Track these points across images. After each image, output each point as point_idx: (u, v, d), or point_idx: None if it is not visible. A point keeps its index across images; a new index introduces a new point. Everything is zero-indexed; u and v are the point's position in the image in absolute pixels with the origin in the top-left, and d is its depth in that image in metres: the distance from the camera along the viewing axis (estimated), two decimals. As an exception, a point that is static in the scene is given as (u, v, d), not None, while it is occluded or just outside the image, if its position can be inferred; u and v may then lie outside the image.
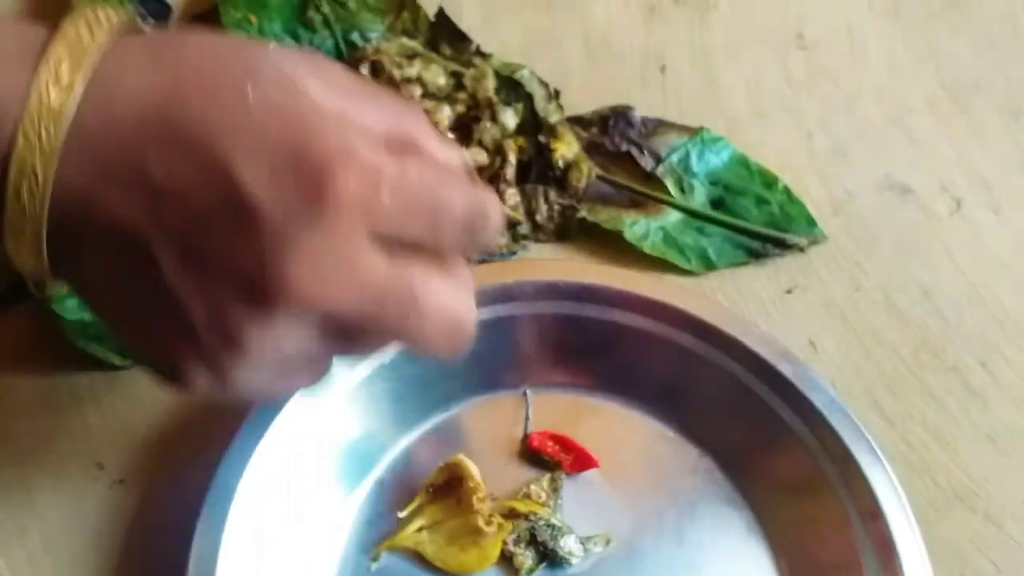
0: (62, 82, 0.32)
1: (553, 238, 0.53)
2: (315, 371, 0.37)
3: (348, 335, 0.34)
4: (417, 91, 0.53)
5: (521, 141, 0.54)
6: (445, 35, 0.56)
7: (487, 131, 0.53)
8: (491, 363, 0.47)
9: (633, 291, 0.48)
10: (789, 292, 0.52)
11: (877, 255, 0.54)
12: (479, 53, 0.56)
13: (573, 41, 0.59)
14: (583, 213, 0.53)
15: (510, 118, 0.54)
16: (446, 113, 0.53)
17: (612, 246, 0.53)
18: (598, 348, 0.48)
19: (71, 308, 0.46)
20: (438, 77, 0.54)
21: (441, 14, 0.56)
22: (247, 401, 0.43)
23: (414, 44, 0.55)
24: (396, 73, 0.53)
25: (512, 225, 0.52)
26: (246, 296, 0.31)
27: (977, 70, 0.60)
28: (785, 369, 0.46)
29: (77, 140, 0.32)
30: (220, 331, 0.32)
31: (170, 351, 0.33)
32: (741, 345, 0.46)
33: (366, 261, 0.32)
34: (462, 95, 0.54)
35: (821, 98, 0.58)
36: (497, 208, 0.36)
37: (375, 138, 0.33)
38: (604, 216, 0.53)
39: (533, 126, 0.54)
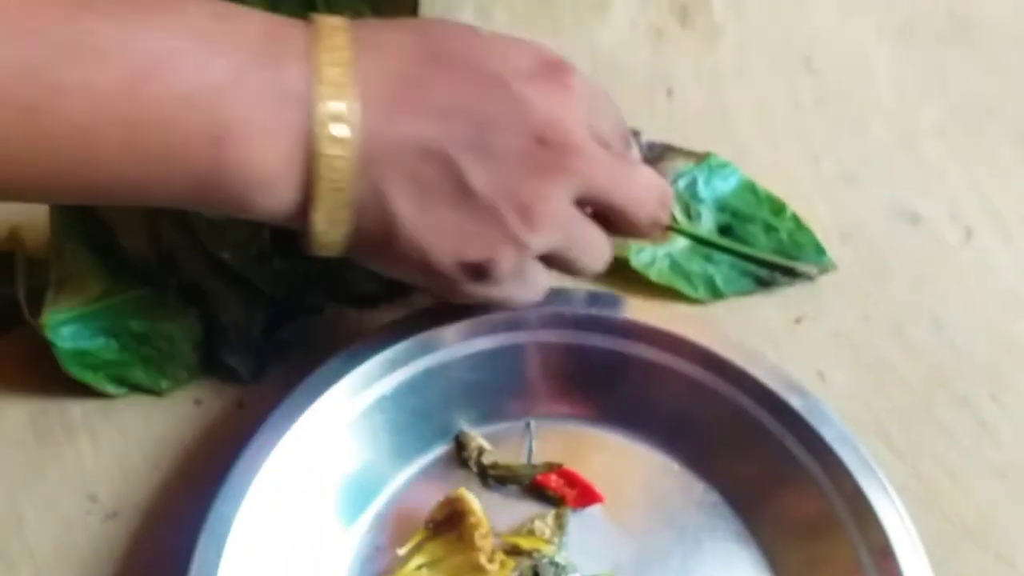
0: (342, 57, 0.37)
1: None
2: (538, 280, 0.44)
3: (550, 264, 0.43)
4: None
5: None
6: None
7: None
8: (493, 393, 0.47)
9: (639, 320, 0.47)
10: (798, 322, 0.52)
11: (887, 284, 0.53)
12: None
13: (580, 63, 0.57)
14: None
15: None
16: None
17: (618, 273, 0.51)
18: (603, 379, 0.47)
19: (66, 336, 0.45)
20: None
21: None
22: (258, 417, 0.43)
23: None
24: None
25: None
26: (535, 171, 0.39)
27: (987, 95, 0.59)
28: (794, 402, 0.45)
29: (366, 89, 0.37)
30: (518, 204, 0.39)
31: (479, 245, 0.40)
32: (749, 377, 0.45)
33: (569, 213, 0.41)
34: None
35: (830, 123, 0.58)
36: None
37: None
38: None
39: None
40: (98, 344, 0.45)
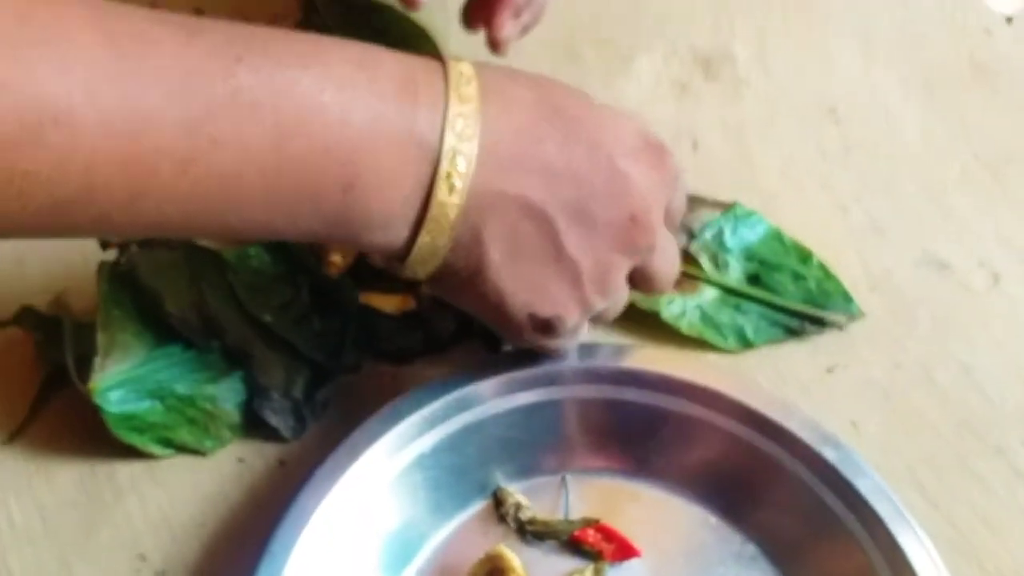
0: (467, 94, 0.40)
1: None
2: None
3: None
4: None
5: None
6: None
7: None
8: (530, 448, 0.47)
9: (673, 375, 0.47)
10: (829, 371, 0.52)
11: (916, 332, 0.53)
12: None
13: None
14: None
15: None
16: None
17: (649, 323, 0.53)
18: (638, 433, 0.47)
19: (113, 400, 0.46)
20: None
21: None
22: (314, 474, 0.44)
23: None
24: None
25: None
26: (620, 246, 0.43)
27: (1011, 142, 0.60)
28: (829, 454, 0.45)
29: (486, 134, 0.40)
30: (599, 272, 0.43)
31: (552, 302, 0.43)
32: (784, 429, 0.46)
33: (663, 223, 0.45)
34: None
35: (856, 173, 0.58)
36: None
37: None
38: (640, 295, 0.53)
39: None
40: (144, 407, 0.47)
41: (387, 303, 0.51)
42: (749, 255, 0.55)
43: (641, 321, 0.53)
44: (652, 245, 0.44)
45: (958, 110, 0.61)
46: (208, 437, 0.48)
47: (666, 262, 0.46)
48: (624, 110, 0.45)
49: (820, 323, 0.53)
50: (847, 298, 0.54)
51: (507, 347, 0.49)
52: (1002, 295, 0.55)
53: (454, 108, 0.39)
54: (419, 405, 0.46)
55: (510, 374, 0.47)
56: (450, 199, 0.39)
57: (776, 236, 0.55)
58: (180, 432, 0.48)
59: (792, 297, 0.53)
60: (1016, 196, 0.58)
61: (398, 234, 0.40)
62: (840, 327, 0.53)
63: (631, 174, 0.42)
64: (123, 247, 0.49)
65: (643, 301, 0.52)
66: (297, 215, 0.38)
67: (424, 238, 0.40)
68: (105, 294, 0.47)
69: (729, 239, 0.55)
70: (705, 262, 0.54)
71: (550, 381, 0.47)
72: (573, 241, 0.42)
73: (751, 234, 0.55)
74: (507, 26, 0.52)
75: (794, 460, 0.46)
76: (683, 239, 0.54)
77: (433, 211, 0.40)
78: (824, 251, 0.55)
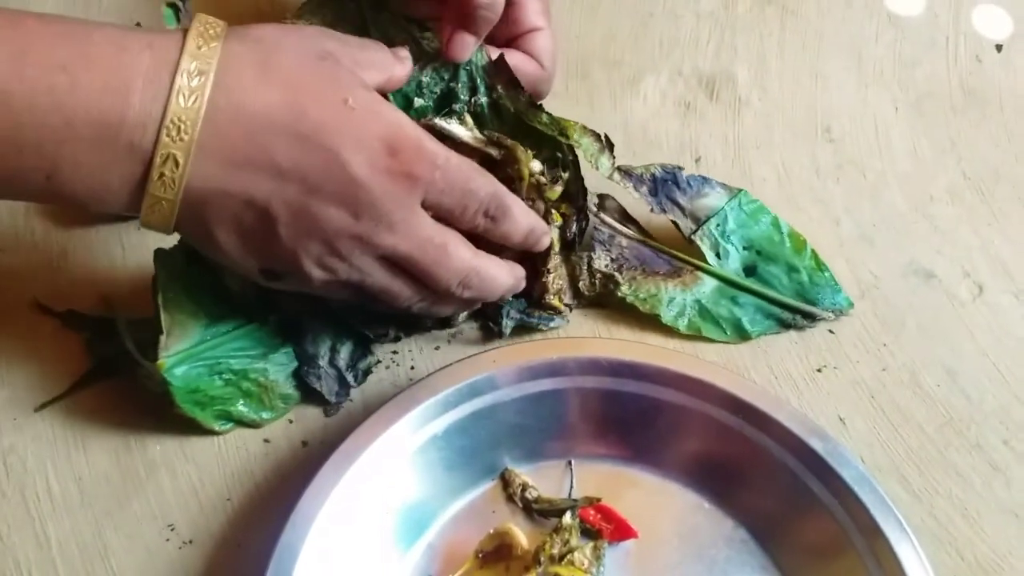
0: (195, 90, 0.42)
1: (593, 304, 0.57)
2: (399, 299, 0.50)
3: (400, 269, 0.48)
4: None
5: (566, 208, 0.56)
6: (501, 80, 0.56)
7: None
8: (537, 434, 0.51)
9: (671, 368, 0.51)
10: (819, 371, 0.55)
11: (903, 337, 0.56)
12: (532, 104, 0.55)
13: (614, 134, 0.62)
14: (623, 289, 0.56)
15: (556, 191, 0.56)
16: None
17: (651, 327, 0.56)
18: (638, 422, 0.51)
19: (179, 375, 0.49)
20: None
21: (501, 60, 0.56)
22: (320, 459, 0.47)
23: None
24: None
25: (555, 311, 0.56)
26: (340, 238, 0.46)
27: (997, 161, 0.63)
28: (816, 445, 0.48)
29: (211, 135, 0.43)
30: (316, 261, 0.46)
31: (278, 266, 0.47)
32: (774, 421, 0.49)
33: (418, 219, 0.47)
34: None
35: (848, 188, 0.62)
36: (522, 211, 0.52)
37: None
38: (643, 294, 0.56)
39: (578, 191, 0.56)
40: (205, 381, 0.50)
41: None
42: (748, 244, 0.58)
43: (642, 324, 0.56)
44: (383, 242, 0.46)
45: (947, 131, 0.64)
46: (264, 408, 0.52)
47: (440, 265, 0.48)
48: (387, 112, 0.46)
49: (811, 318, 0.56)
50: (836, 290, 0.57)
51: (508, 327, 0.55)
52: (985, 304, 0.58)
53: (176, 106, 0.42)
54: (434, 391, 0.49)
55: (519, 364, 0.50)
56: (164, 194, 0.43)
57: (775, 224, 0.58)
58: (237, 404, 0.51)
59: (786, 289, 0.57)
60: (1001, 212, 0.61)
61: (118, 209, 0.44)
62: (829, 321, 0.56)
63: (365, 181, 0.45)
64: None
65: (643, 304, 0.55)
66: (11, 191, 0.43)
67: (145, 216, 0.44)
68: (161, 278, 0.50)
69: (731, 227, 0.58)
70: (707, 250, 0.57)
71: (556, 372, 0.50)
72: (291, 233, 0.45)
73: (752, 222, 0.58)
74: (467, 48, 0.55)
75: (783, 450, 0.49)
76: (690, 226, 0.57)
77: (148, 201, 0.43)
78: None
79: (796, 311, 0.56)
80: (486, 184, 0.49)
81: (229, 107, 0.43)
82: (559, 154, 0.56)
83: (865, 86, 0.66)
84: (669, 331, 0.56)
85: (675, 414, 0.50)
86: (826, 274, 0.57)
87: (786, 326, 0.56)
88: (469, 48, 0.55)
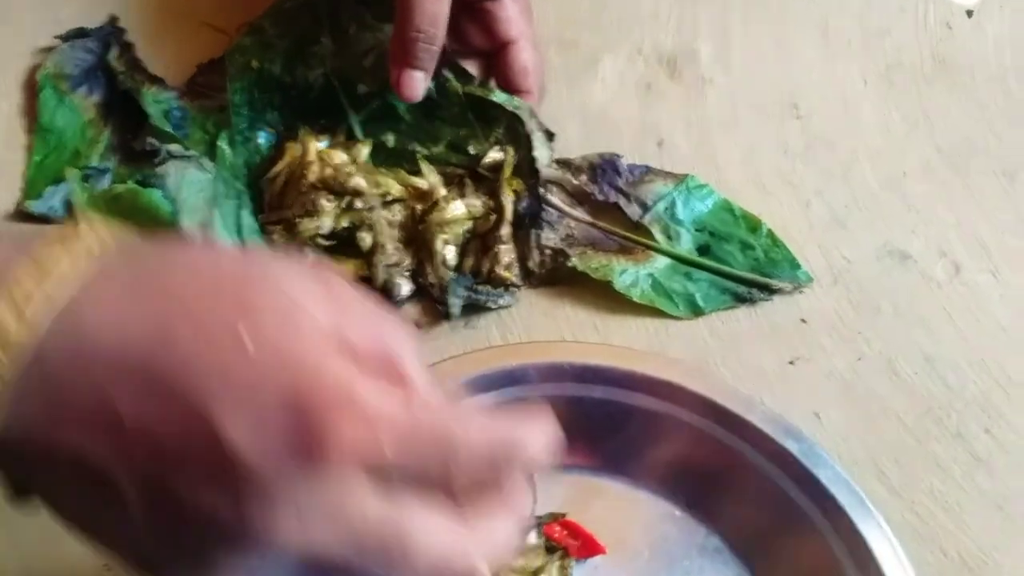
0: (24, 316, 0.30)
1: (543, 283, 0.55)
2: None
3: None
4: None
5: (517, 185, 0.55)
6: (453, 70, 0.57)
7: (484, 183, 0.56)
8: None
9: (637, 371, 0.48)
10: (792, 363, 0.53)
11: (878, 323, 0.54)
12: (482, 84, 0.56)
13: (572, 119, 0.60)
14: (574, 261, 0.54)
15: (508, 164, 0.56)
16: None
17: (602, 292, 0.54)
18: (604, 429, 0.48)
19: None
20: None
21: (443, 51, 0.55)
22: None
23: None
24: None
25: (506, 284, 0.54)
26: (216, 543, 0.30)
27: (970, 133, 0.61)
28: (791, 446, 0.46)
29: (37, 374, 0.30)
30: (188, 569, 0.31)
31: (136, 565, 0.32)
32: (746, 423, 0.47)
33: (354, 503, 0.30)
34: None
35: (817, 167, 0.59)
36: (537, 430, 0.34)
37: (363, 360, 0.31)
38: (595, 264, 0.54)
39: (529, 168, 0.56)
40: None
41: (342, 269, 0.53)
42: (700, 226, 0.56)
43: (593, 287, 0.54)
44: (277, 545, 0.30)
45: (919, 103, 0.62)
46: None
47: (393, 567, 0.31)
48: (311, 349, 0.30)
49: (767, 290, 0.54)
50: (794, 264, 0.55)
51: (455, 306, 0.53)
52: (963, 285, 0.56)
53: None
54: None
55: (472, 374, 0.48)
56: None
57: (726, 207, 0.57)
58: None
59: (741, 266, 0.55)
60: (976, 188, 0.59)
61: None
62: (787, 292, 0.54)
63: (245, 453, 0.29)
64: None
65: (595, 272, 0.54)
66: None
67: None
68: None
69: (681, 211, 0.56)
70: (657, 233, 0.55)
71: (514, 380, 0.48)
72: (148, 517, 0.30)
73: (702, 206, 0.56)
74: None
75: (756, 453, 0.47)
76: (637, 211, 0.56)
77: None
78: (789, 245, 0.56)
79: (752, 284, 0.54)
80: (474, 436, 0.32)
81: (67, 336, 0.30)
82: (512, 130, 0.55)
83: (832, 59, 0.63)
84: (622, 303, 0.54)
85: (642, 419, 0.48)
86: (782, 250, 0.55)
87: (742, 300, 0.54)
88: (419, 85, 0.53)
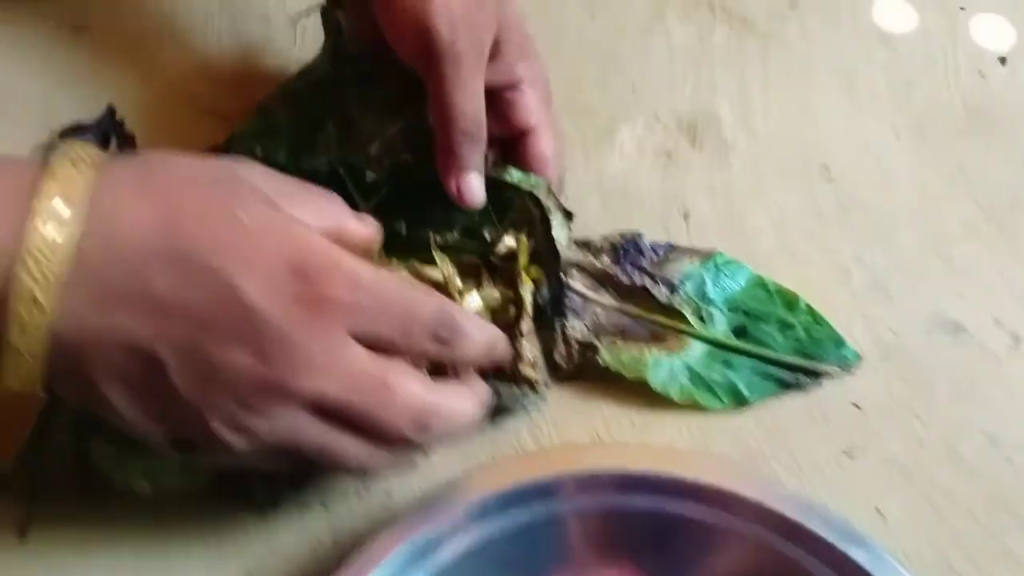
0: (61, 217, 0.35)
1: (572, 377, 0.51)
2: (336, 456, 0.40)
3: (338, 419, 0.39)
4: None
5: (536, 272, 0.51)
6: None
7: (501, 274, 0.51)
8: (537, 566, 0.44)
9: (683, 477, 0.44)
10: (847, 453, 0.49)
11: (935, 403, 0.50)
12: (497, 165, 0.52)
13: (590, 194, 0.56)
14: (603, 355, 0.50)
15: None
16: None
17: (639, 395, 0.50)
18: (649, 543, 0.44)
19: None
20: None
21: None
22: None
23: None
24: None
25: (531, 383, 0.49)
26: (249, 388, 0.37)
27: (1012, 187, 0.57)
28: (856, 555, 0.42)
29: (80, 270, 0.35)
30: (228, 422, 0.37)
31: (186, 429, 0.38)
32: (806, 531, 0.43)
33: (347, 353, 0.38)
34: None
35: (854, 232, 0.56)
36: (476, 326, 0.41)
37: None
38: (626, 358, 0.50)
39: (549, 252, 0.51)
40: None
41: None
42: (733, 305, 0.52)
43: (629, 391, 0.50)
44: (303, 388, 0.37)
45: (955, 157, 0.58)
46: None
47: (385, 407, 0.39)
48: (293, 228, 0.38)
49: (815, 374, 0.50)
50: (839, 343, 0.51)
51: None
52: (1023, 358, 0.51)
53: (36, 237, 0.35)
54: (410, 533, 0.42)
55: (502, 488, 0.43)
56: (27, 346, 0.36)
57: (759, 283, 0.53)
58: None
59: (782, 348, 0.51)
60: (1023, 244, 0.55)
61: None
62: (835, 376, 0.50)
63: (265, 310, 0.36)
64: None
65: (628, 368, 0.50)
66: None
67: (6, 377, 0.36)
68: None
69: (711, 289, 0.52)
70: (689, 315, 0.51)
71: (548, 493, 0.44)
72: (188, 382, 0.37)
73: (733, 283, 0.52)
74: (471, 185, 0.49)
75: (819, 563, 0.42)
76: (664, 292, 0.52)
77: (8, 355, 0.36)
78: (829, 319, 0.52)
79: (797, 369, 0.50)
80: (428, 302, 0.40)
81: (100, 235, 0.36)
82: (530, 211, 0.51)
83: (861, 114, 0.60)
84: (660, 402, 0.49)
85: (693, 530, 0.44)
86: (824, 327, 0.51)
87: (787, 386, 0.50)
88: (478, 186, 0.49)
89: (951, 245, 0.55)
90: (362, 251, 0.43)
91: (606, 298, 0.52)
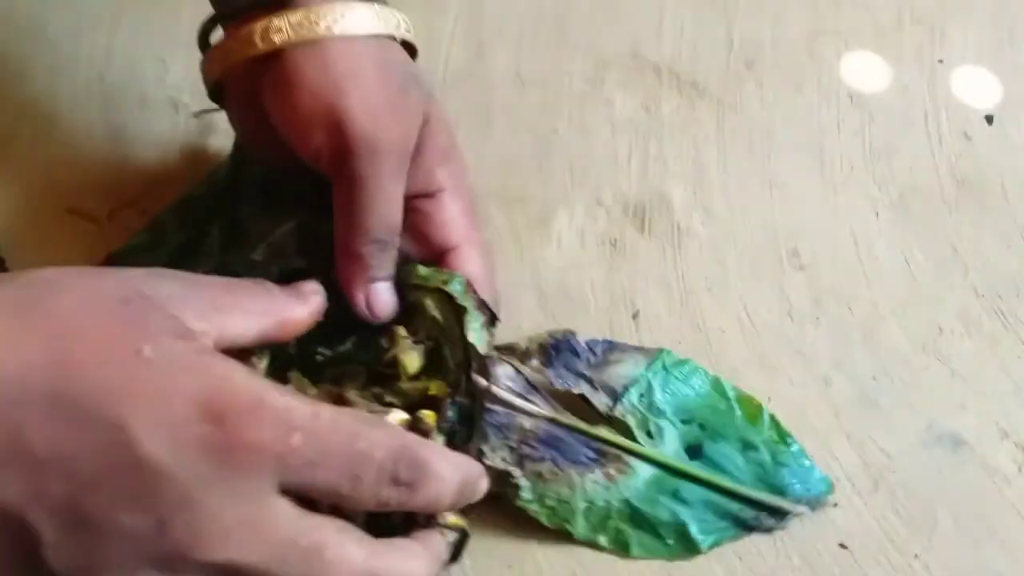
0: None
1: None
2: None
3: None
4: None
5: (436, 388, 0.42)
6: None
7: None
8: None
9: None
10: (834, 610, 0.41)
11: (937, 539, 0.42)
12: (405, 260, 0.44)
13: (523, 292, 0.49)
14: (523, 494, 0.42)
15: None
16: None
17: (564, 545, 0.42)
18: None
19: None
20: None
21: None
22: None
23: None
24: None
25: (443, 526, 0.41)
26: (142, 560, 0.30)
27: (1013, 268, 0.49)
28: None
29: None
30: None
31: None
32: None
33: (270, 514, 0.31)
34: None
35: (833, 331, 0.48)
36: (448, 461, 0.35)
37: None
38: (551, 500, 0.42)
39: (463, 361, 0.42)
40: None
41: None
42: (687, 416, 0.44)
43: (554, 542, 0.42)
44: (199, 560, 0.31)
45: (945, 235, 0.50)
46: None
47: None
48: (211, 365, 0.32)
49: (779, 514, 0.42)
50: (808, 470, 0.43)
51: None
52: (1035, 474, 0.44)
53: None
54: None
55: None
56: None
57: (717, 388, 0.45)
58: None
59: (743, 475, 0.43)
60: (1031, 338, 0.47)
61: None
62: (802, 516, 0.42)
63: (164, 464, 0.30)
64: None
65: (550, 516, 0.42)
66: None
67: None
68: None
69: (660, 397, 0.44)
70: (635, 428, 0.43)
71: None
72: (64, 556, 0.30)
73: (686, 388, 0.45)
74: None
75: None
76: (605, 401, 0.44)
77: None
78: (808, 438, 0.44)
79: (759, 505, 0.42)
80: (383, 438, 0.33)
81: None
82: (440, 313, 0.43)
83: (834, 189, 0.52)
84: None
85: None
86: (792, 448, 0.44)
87: (747, 528, 0.42)
88: (388, 297, 0.42)
89: (946, 342, 0.47)
90: None
91: (537, 406, 0.44)
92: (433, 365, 0.42)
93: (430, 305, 0.43)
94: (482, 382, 0.42)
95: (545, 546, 0.43)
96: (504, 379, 0.44)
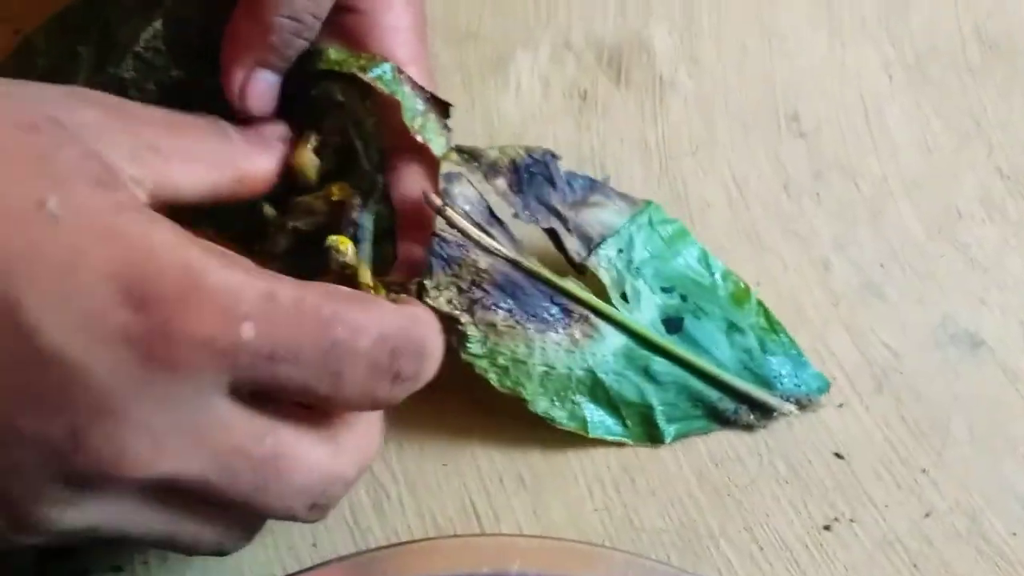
0: None
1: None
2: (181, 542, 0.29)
3: (195, 498, 0.27)
4: None
5: (338, 191, 0.35)
6: None
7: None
8: None
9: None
10: (828, 528, 0.35)
11: (949, 453, 0.36)
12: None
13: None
14: (473, 347, 0.35)
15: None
16: None
17: (511, 409, 0.35)
18: None
19: None
20: None
21: None
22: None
23: None
24: None
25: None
26: (53, 476, 0.25)
27: (1043, 145, 0.43)
28: None
29: None
30: (15, 522, 0.26)
31: None
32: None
33: (216, 420, 0.26)
34: None
35: (835, 208, 0.41)
36: (433, 327, 0.29)
37: None
38: (503, 360, 0.35)
39: (379, 162, 0.35)
40: None
41: None
42: (668, 283, 0.38)
43: (509, 412, 0.35)
44: (122, 478, 0.25)
45: (967, 105, 0.44)
46: None
47: (269, 491, 0.27)
48: (134, 227, 0.26)
49: (764, 411, 0.37)
50: (800, 363, 0.37)
51: None
52: (1063, 379, 0.38)
53: None
54: None
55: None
56: None
57: (703, 260, 0.39)
58: None
59: (726, 359, 0.37)
60: (1061, 225, 0.41)
61: None
62: (790, 415, 0.36)
63: (78, 360, 0.24)
64: None
65: (502, 379, 0.35)
66: None
67: None
68: None
69: (640, 255, 0.38)
70: (609, 286, 0.37)
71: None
72: None
73: (671, 252, 0.38)
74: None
75: None
76: (577, 247, 0.37)
77: None
78: (803, 331, 0.38)
79: (741, 396, 0.36)
80: (369, 321, 0.27)
81: None
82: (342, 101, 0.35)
83: (842, 45, 0.45)
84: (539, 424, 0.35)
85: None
86: (782, 337, 0.38)
87: (723, 421, 0.37)
88: (271, 93, 0.34)
89: (964, 226, 0.41)
90: None
91: (496, 245, 0.36)
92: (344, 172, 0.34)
93: (336, 92, 0.35)
94: (435, 200, 0.35)
95: (486, 443, 0.36)
96: (462, 201, 0.36)
